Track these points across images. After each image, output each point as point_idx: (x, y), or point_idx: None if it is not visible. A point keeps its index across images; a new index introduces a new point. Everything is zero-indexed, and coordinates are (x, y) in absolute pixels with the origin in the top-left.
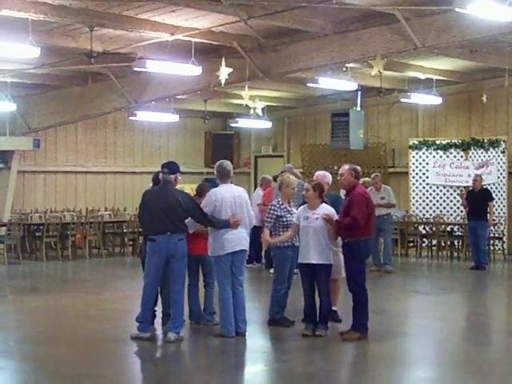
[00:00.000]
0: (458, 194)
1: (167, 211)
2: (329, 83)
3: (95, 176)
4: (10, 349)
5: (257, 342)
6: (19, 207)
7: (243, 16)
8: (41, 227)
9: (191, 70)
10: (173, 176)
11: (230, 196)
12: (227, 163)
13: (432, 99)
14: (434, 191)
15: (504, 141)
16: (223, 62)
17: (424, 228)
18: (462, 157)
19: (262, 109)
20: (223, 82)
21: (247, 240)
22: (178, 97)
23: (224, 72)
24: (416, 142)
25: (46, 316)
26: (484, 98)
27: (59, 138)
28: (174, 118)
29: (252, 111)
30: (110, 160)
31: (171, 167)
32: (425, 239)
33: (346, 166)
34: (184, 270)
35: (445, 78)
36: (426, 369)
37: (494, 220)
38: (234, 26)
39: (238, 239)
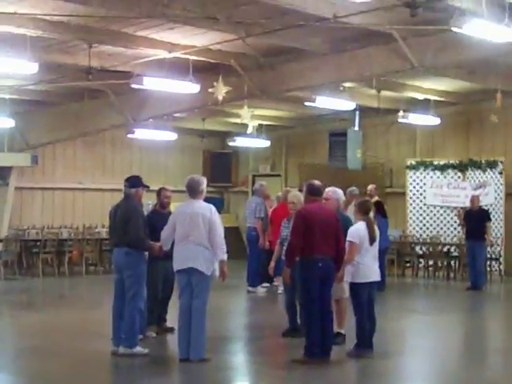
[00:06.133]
0: (455, 215)
1: (116, 225)
2: (326, 103)
3: (93, 193)
4: (5, 362)
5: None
6: (16, 223)
7: (241, 34)
8: (38, 243)
9: (189, 87)
10: (133, 190)
11: (187, 212)
12: (193, 179)
13: (430, 120)
14: (431, 211)
15: (501, 162)
16: (220, 79)
17: (421, 248)
18: (459, 177)
19: (258, 127)
20: (220, 98)
21: (200, 257)
22: (175, 115)
23: (220, 90)
24: (413, 163)
25: (41, 331)
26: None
27: (57, 154)
28: (172, 136)
29: (248, 128)
30: (108, 177)
31: (131, 181)
32: (421, 259)
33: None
34: (134, 284)
35: (443, 99)
36: None
37: (491, 240)
38: (231, 44)
39: (183, 257)
